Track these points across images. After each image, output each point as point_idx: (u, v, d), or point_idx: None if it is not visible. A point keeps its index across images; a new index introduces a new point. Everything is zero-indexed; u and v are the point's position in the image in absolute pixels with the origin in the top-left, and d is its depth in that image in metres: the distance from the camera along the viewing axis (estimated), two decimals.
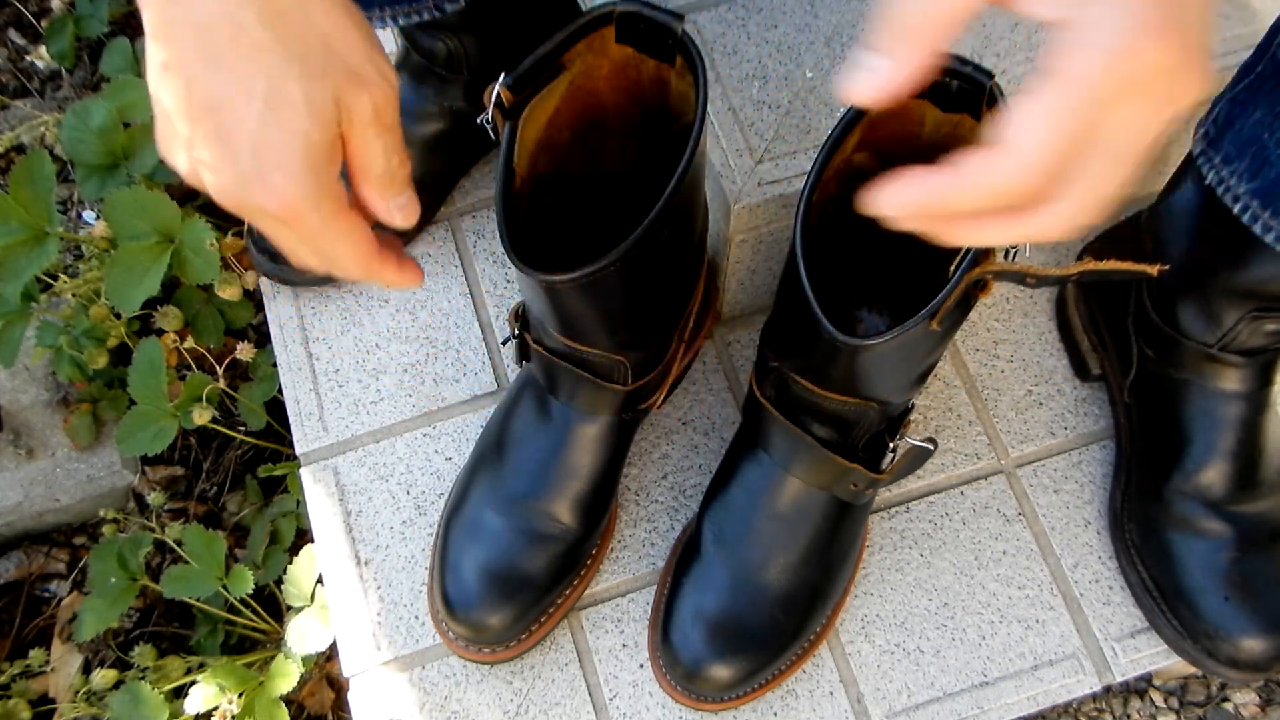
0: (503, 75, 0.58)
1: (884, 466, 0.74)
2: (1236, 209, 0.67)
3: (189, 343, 0.97)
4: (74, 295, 0.98)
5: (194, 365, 0.98)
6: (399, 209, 0.45)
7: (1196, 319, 0.76)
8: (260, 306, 1.03)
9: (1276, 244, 0.66)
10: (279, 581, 0.90)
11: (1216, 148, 0.69)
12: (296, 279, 0.91)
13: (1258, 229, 0.66)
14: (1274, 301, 0.72)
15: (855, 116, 0.62)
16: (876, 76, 0.39)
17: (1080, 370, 0.89)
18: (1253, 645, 0.75)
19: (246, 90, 0.38)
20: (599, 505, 0.79)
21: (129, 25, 1.21)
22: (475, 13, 0.81)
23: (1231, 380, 0.77)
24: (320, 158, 0.40)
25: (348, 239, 0.43)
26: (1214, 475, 0.77)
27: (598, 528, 0.80)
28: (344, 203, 0.43)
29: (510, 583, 0.76)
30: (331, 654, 0.91)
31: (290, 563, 0.88)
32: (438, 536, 0.81)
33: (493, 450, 0.79)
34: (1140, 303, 0.81)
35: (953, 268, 0.57)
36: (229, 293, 0.93)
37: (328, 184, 0.41)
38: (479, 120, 0.59)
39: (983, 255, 0.57)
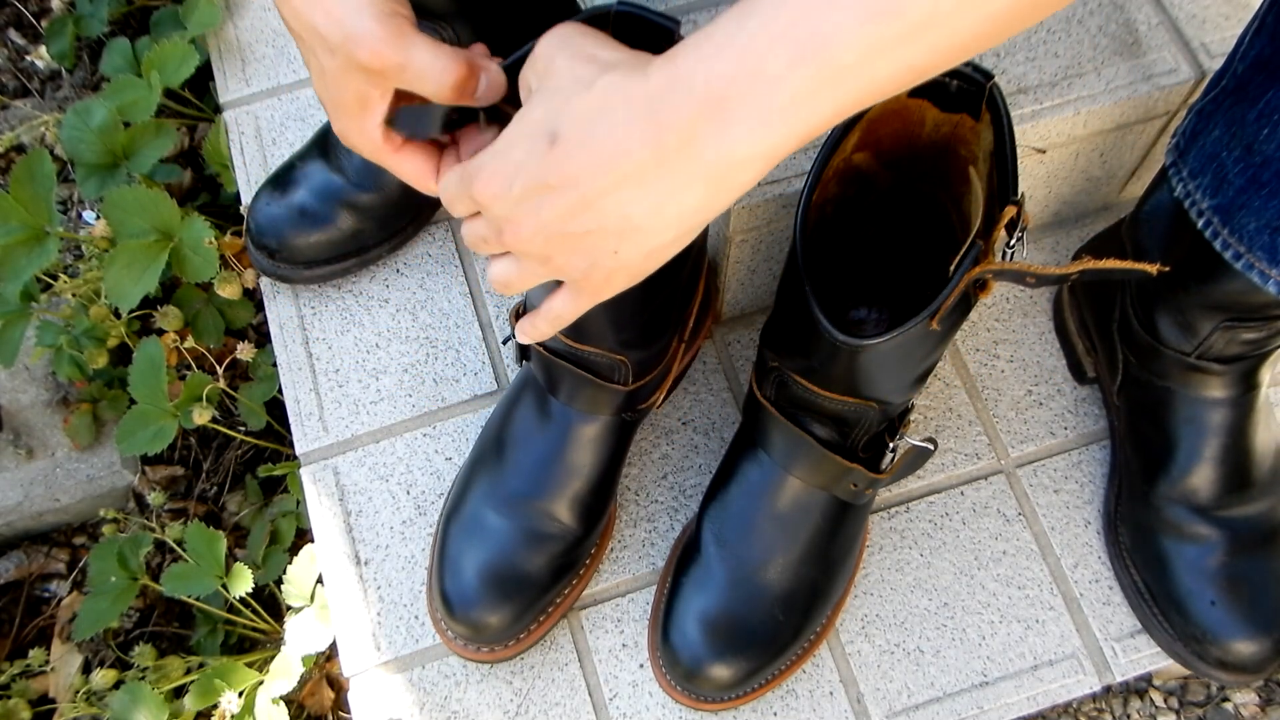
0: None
1: (884, 466, 0.74)
2: (1200, 224, 0.67)
3: (189, 342, 0.97)
4: (74, 295, 0.98)
5: (194, 365, 0.98)
6: (479, 91, 0.51)
7: (1173, 328, 0.76)
8: (260, 306, 1.03)
9: (1235, 262, 0.65)
10: (279, 581, 0.90)
11: (1185, 160, 0.69)
12: (294, 277, 0.91)
13: (1218, 245, 0.66)
14: (1246, 312, 0.71)
15: (855, 117, 0.62)
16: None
17: (1076, 372, 0.89)
18: (1241, 648, 0.75)
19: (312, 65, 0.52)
20: (598, 505, 0.79)
21: (129, 25, 1.21)
22: (468, 1, 0.80)
23: (1213, 388, 0.76)
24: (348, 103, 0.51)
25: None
26: (1200, 481, 0.77)
27: (597, 527, 0.80)
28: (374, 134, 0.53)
29: (509, 582, 0.76)
30: (331, 654, 0.91)
31: (290, 563, 0.88)
32: (437, 535, 0.81)
33: (492, 450, 0.79)
34: (1124, 310, 0.81)
35: (952, 267, 0.57)
36: (228, 291, 0.93)
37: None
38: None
39: (982, 255, 0.57)
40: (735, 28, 0.39)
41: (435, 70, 0.49)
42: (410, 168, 0.54)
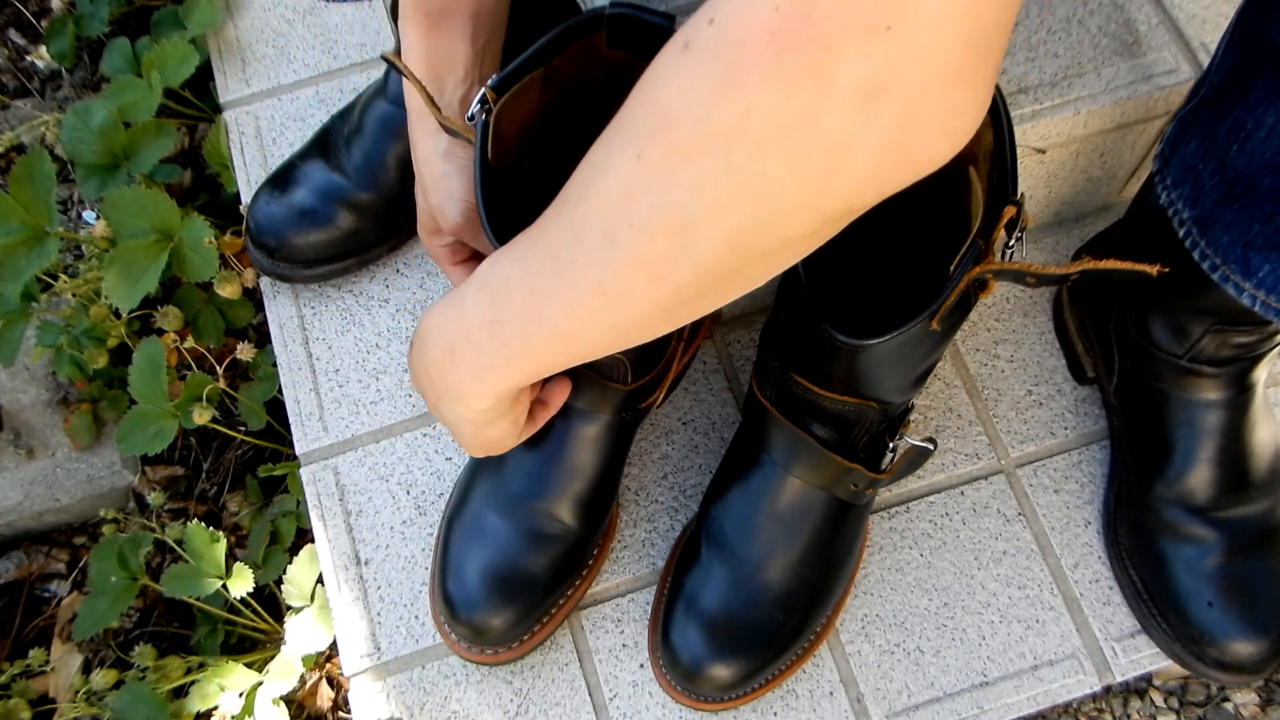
0: (491, 78, 0.58)
1: (884, 466, 0.74)
2: (1181, 233, 0.67)
3: (189, 343, 0.97)
4: (74, 295, 0.98)
5: (194, 365, 0.98)
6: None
7: (1164, 330, 0.76)
8: (260, 306, 1.03)
9: (1212, 273, 0.65)
10: (279, 581, 0.90)
11: (1168, 168, 0.68)
12: (294, 276, 0.91)
13: (1196, 255, 0.66)
14: (1235, 316, 0.71)
15: None
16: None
17: (1076, 373, 0.89)
18: (1239, 649, 0.75)
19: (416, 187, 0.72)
20: (600, 505, 0.79)
21: (129, 25, 1.21)
22: None
23: (1206, 390, 0.76)
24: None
25: None
26: (1197, 482, 0.77)
27: (599, 527, 0.80)
28: None
29: (512, 583, 0.76)
30: (331, 654, 0.91)
31: (290, 563, 0.88)
32: (439, 538, 0.80)
33: None
34: (1120, 312, 0.81)
35: (952, 267, 0.57)
36: (228, 290, 0.93)
37: None
38: (468, 117, 0.60)
39: (983, 255, 0.57)
40: (462, 292, 0.53)
41: (490, 251, 0.64)
42: (457, 280, 0.69)
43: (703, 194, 0.40)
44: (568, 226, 0.46)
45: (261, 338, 1.04)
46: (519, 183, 0.64)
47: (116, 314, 0.98)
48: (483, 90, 0.59)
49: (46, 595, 1.02)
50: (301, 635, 0.84)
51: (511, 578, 0.76)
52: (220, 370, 0.92)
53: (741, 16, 0.37)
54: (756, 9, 0.36)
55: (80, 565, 1.03)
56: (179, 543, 0.92)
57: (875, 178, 0.39)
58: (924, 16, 0.35)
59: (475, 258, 0.70)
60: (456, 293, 0.54)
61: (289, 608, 0.87)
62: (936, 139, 0.38)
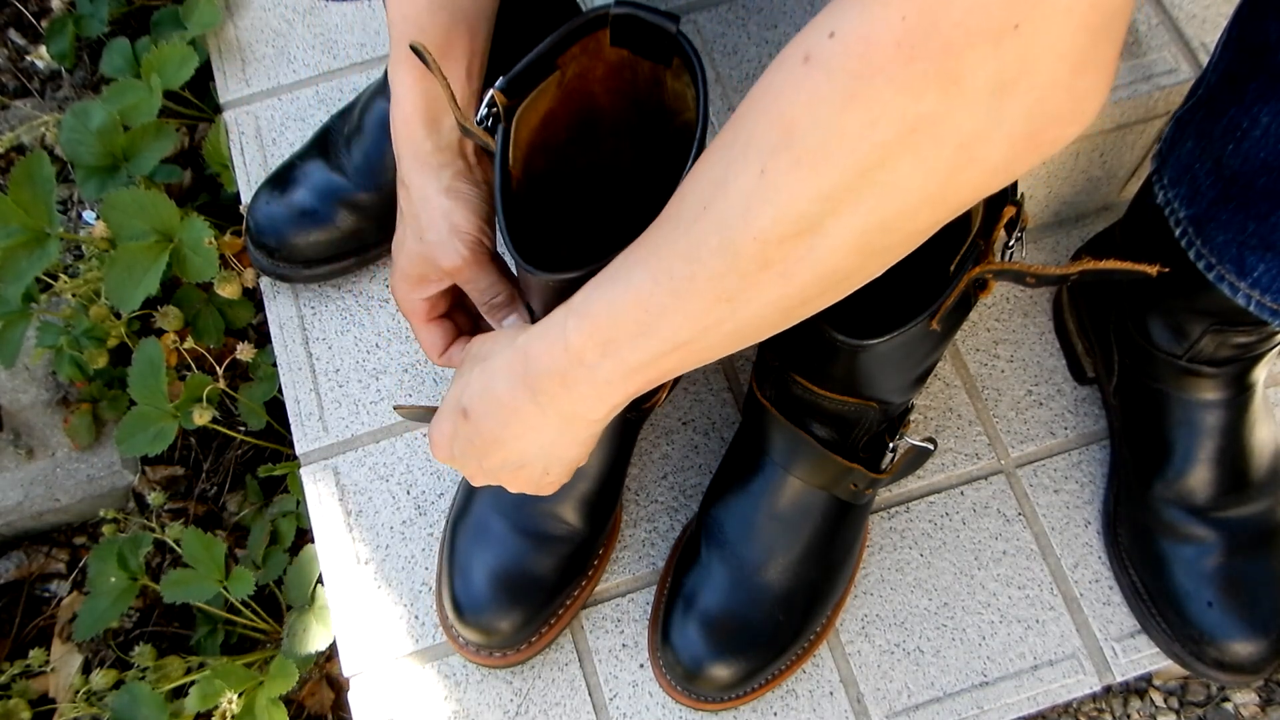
0: (499, 80, 0.58)
1: (884, 466, 0.74)
2: (1177, 233, 0.67)
3: (189, 343, 0.97)
4: (74, 295, 0.98)
5: (194, 365, 0.98)
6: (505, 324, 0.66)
7: (1164, 331, 0.76)
8: (260, 306, 1.03)
9: (1208, 273, 0.65)
10: (279, 581, 0.90)
11: (1165, 168, 0.68)
12: (294, 276, 0.91)
13: (1192, 255, 0.66)
14: (1233, 316, 0.71)
15: None
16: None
17: (1076, 372, 0.89)
18: (1238, 649, 0.75)
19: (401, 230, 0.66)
20: (604, 505, 0.79)
21: (129, 25, 1.21)
22: None
23: (1205, 390, 0.76)
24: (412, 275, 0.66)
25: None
26: (1196, 482, 0.77)
27: (604, 528, 0.80)
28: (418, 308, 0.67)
29: (519, 585, 0.76)
30: (331, 654, 0.91)
31: (290, 563, 0.88)
32: (444, 542, 0.80)
33: None
34: (1120, 312, 0.81)
35: (952, 267, 0.57)
36: (228, 290, 0.93)
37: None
38: (476, 121, 0.59)
39: (983, 255, 0.57)
40: (563, 321, 0.52)
41: (489, 293, 0.64)
42: (428, 338, 0.68)
43: (830, 201, 0.40)
44: (684, 243, 0.46)
45: (261, 338, 1.04)
46: (523, 186, 0.64)
47: (116, 314, 0.98)
48: (490, 93, 0.58)
49: (46, 595, 1.02)
50: (301, 635, 0.84)
51: (518, 579, 0.76)
52: (220, 370, 0.92)
53: (865, 29, 0.37)
54: (881, 20, 0.36)
55: (80, 565, 1.03)
56: (179, 543, 0.92)
57: (1005, 167, 0.40)
58: (1050, 10, 0.35)
59: (450, 314, 0.69)
60: (547, 327, 0.54)
61: (289, 608, 0.88)
62: (1066, 123, 0.39)
